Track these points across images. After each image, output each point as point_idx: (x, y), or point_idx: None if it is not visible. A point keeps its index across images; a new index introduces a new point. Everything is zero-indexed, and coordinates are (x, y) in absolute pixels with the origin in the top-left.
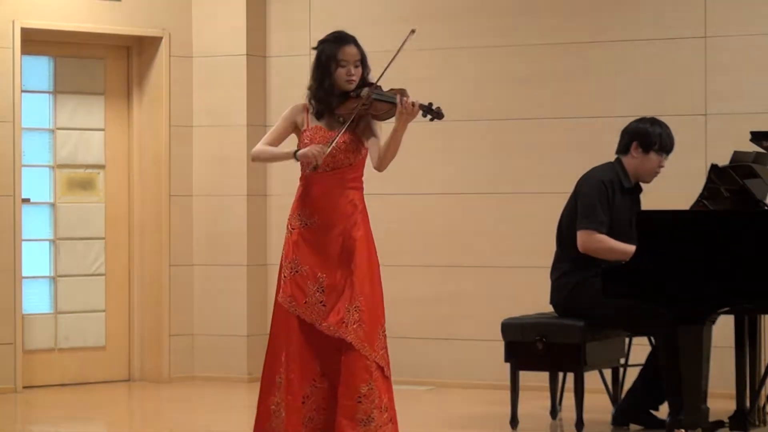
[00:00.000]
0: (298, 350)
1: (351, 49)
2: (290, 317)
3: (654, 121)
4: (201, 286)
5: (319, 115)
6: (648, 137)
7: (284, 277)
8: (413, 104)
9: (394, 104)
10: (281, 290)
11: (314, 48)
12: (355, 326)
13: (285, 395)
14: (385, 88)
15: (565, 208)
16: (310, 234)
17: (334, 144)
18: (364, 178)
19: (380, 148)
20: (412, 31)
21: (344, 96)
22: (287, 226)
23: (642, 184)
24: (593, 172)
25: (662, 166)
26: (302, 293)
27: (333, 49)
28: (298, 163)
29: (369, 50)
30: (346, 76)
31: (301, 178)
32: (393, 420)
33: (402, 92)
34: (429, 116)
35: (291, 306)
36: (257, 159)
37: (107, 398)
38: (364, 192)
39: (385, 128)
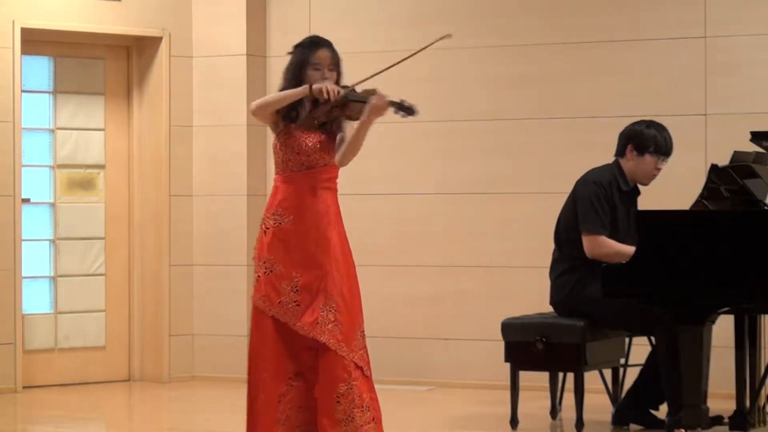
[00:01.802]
0: (273, 349)
1: (324, 53)
2: (264, 317)
3: (650, 124)
4: (201, 286)
5: (288, 119)
6: (642, 140)
7: (258, 276)
8: (385, 100)
9: (365, 103)
10: (255, 290)
11: (289, 53)
12: (330, 326)
13: (260, 393)
14: (360, 90)
15: (563, 210)
16: (284, 233)
17: (351, 87)
18: (361, 179)
19: (345, 144)
20: (448, 35)
21: (317, 99)
22: (261, 225)
23: (640, 186)
24: (590, 174)
25: (659, 169)
26: (276, 293)
27: (306, 53)
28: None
29: (368, 51)
30: (320, 79)
31: (275, 179)
32: (377, 419)
33: (374, 91)
34: (401, 113)
35: (265, 306)
36: (262, 107)
37: (107, 398)
38: (365, 192)
39: None
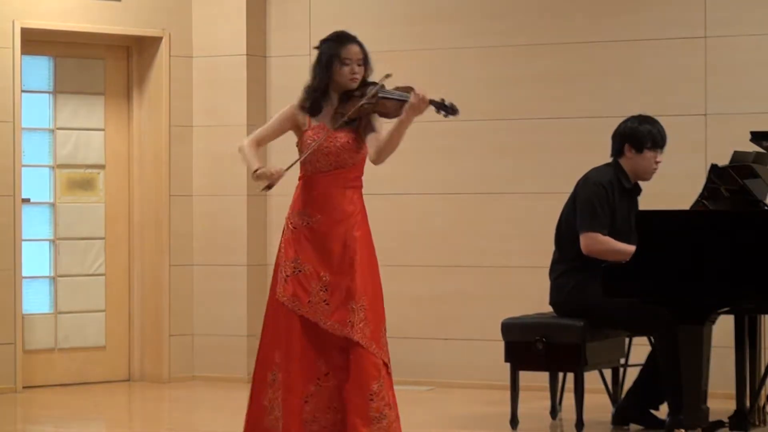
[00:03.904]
0: (300, 350)
1: (354, 48)
2: (292, 316)
3: (642, 119)
4: (201, 286)
5: (314, 113)
6: (638, 137)
7: (286, 276)
8: (424, 98)
9: (404, 101)
10: (282, 289)
11: (316, 47)
12: (361, 325)
13: (284, 394)
14: (389, 87)
15: (564, 210)
16: (312, 233)
17: (305, 155)
18: (363, 178)
19: (380, 141)
20: (388, 75)
21: (347, 95)
22: (287, 224)
23: (641, 184)
24: (591, 174)
25: (659, 162)
26: (305, 292)
27: (336, 48)
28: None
29: (369, 51)
30: (350, 74)
31: (300, 177)
32: (398, 417)
33: (411, 89)
34: (442, 112)
35: (294, 305)
36: (240, 153)
37: (107, 398)
38: (366, 192)
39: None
